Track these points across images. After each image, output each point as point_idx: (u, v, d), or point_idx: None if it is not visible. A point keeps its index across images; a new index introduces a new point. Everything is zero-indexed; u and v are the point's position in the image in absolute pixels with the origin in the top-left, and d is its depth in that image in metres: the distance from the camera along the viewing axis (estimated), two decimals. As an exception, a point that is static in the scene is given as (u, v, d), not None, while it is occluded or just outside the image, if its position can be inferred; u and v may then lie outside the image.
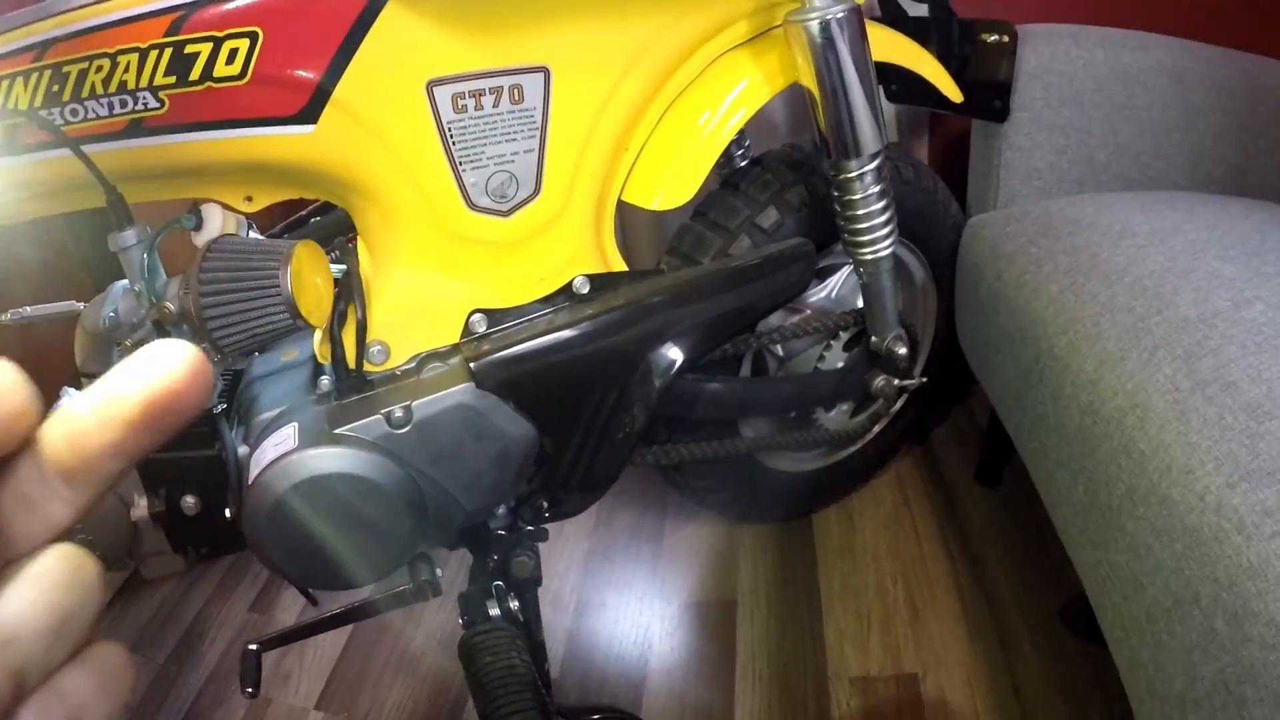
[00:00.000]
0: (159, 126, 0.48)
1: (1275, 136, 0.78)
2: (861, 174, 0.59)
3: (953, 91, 0.69)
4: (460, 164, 0.52)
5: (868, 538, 0.84)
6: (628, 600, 0.82)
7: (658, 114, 0.58)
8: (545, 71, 0.52)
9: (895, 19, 0.78)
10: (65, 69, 0.46)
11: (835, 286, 0.77)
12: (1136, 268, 0.57)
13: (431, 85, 0.49)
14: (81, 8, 0.47)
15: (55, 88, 0.46)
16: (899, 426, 0.86)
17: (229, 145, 0.49)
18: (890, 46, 0.65)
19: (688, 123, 0.58)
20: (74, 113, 0.47)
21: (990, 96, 0.76)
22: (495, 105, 0.51)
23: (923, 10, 0.77)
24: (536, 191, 0.54)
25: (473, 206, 0.53)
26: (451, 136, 0.51)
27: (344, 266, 0.55)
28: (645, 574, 0.85)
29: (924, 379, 0.74)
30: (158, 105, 0.47)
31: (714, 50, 0.58)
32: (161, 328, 0.50)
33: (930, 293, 0.81)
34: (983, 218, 0.76)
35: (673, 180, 0.58)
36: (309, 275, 0.49)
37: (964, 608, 0.75)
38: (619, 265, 0.60)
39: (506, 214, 0.54)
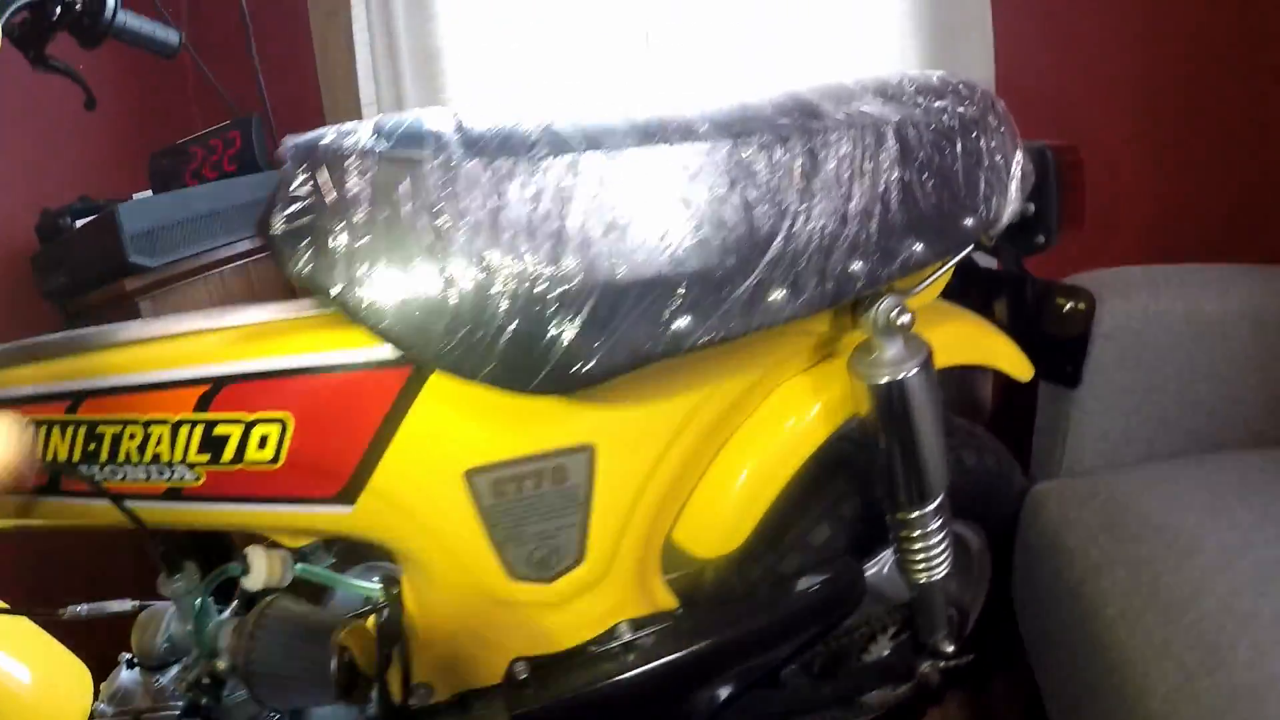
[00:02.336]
0: (198, 495, 0.48)
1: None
2: (922, 516, 0.56)
3: (1024, 372, 0.66)
4: (501, 543, 0.50)
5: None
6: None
7: (710, 456, 0.56)
8: (589, 450, 0.50)
9: (965, 272, 0.75)
10: (99, 429, 0.46)
11: (884, 565, 0.74)
12: (1198, 603, 0.53)
13: (471, 474, 0.48)
14: (109, 346, 0.47)
15: (92, 446, 0.46)
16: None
17: (269, 516, 0.49)
18: (959, 346, 0.62)
19: (739, 467, 0.56)
20: (112, 472, 0.47)
21: (1062, 362, 0.72)
22: (537, 488, 0.50)
23: (993, 261, 0.74)
24: (580, 560, 0.53)
25: (514, 576, 0.52)
26: (491, 520, 0.50)
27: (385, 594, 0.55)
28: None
29: (971, 656, 0.71)
30: (194, 478, 0.46)
31: (768, 387, 0.56)
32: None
33: (985, 560, 0.78)
34: (1046, 488, 0.72)
35: (723, 527, 0.56)
36: (358, 656, 0.49)
37: None
38: (667, 602, 0.59)
39: (549, 580, 0.53)
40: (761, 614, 0.58)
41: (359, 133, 0.44)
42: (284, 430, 0.45)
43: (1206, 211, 1.00)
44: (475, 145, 0.41)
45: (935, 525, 0.58)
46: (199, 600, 0.51)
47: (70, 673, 0.54)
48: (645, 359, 0.42)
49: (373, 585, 0.54)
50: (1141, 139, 0.99)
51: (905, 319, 0.49)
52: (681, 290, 0.41)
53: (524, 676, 0.54)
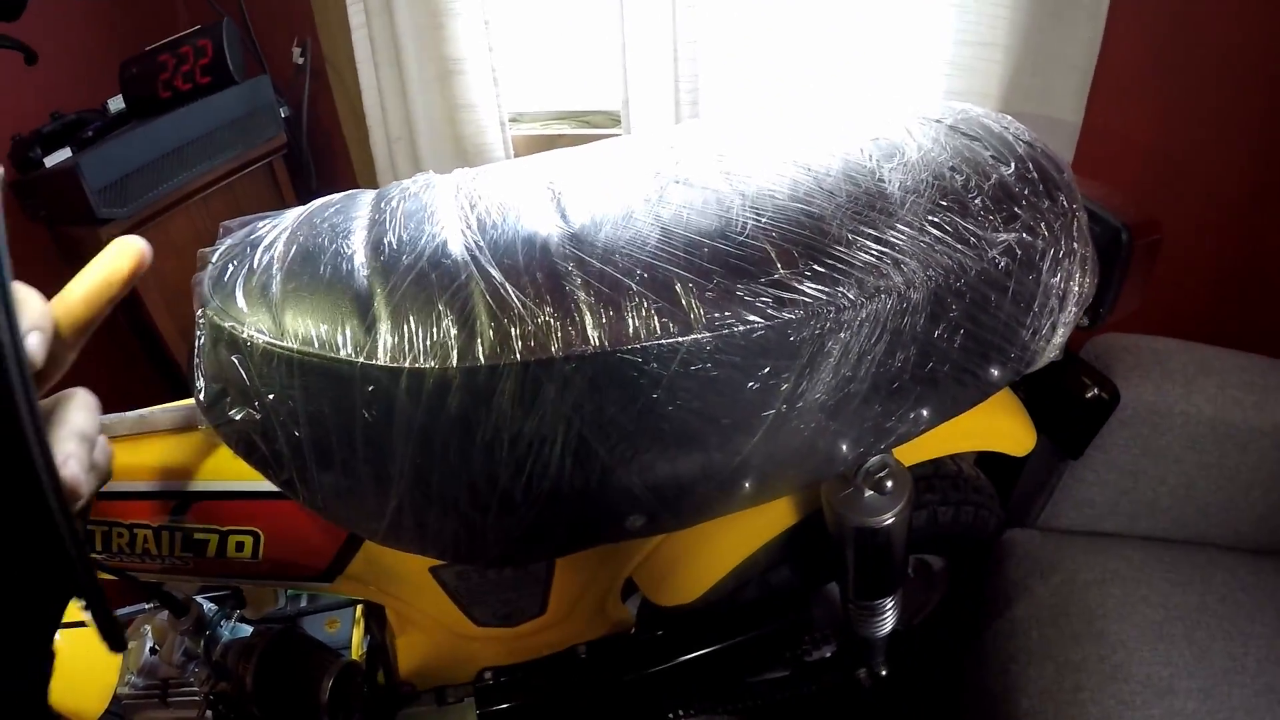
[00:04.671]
0: (190, 570, 0.53)
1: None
2: (879, 604, 0.60)
3: (1023, 449, 0.65)
4: (468, 607, 0.56)
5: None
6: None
7: None
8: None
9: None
10: (89, 528, 0.51)
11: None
12: None
13: (435, 570, 0.52)
14: None
15: (87, 539, 0.51)
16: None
17: (257, 583, 0.55)
18: (956, 435, 0.60)
19: (707, 533, 0.59)
20: (109, 558, 0.52)
21: (1067, 431, 0.69)
22: (499, 573, 0.54)
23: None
24: (542, 611, 0.59)
25: (480, 624, 0.59)
26: (458, 595, 0.55)
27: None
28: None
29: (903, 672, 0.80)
30: (185, 564, 0.52)
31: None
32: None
33: (944, 578, 0.82)
34: (1017, 538, 0.75)
35: (682, 586, 0.60)
36: (350, 689, 0.58)
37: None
38: (625, 622, 0.66)
39: (513, 626, 0.59)
40: (711, 641, 0.65)
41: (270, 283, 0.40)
42: (258, 540, 0.48)
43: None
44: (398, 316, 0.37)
45: (887, 608, 0.62)
46: (205, 633, 0.59)
47: (98, 643, 0.65)
48: (592, 545, 0.43)
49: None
50: (1231, 206, 0.86)
51: (890, 484, 0.48)
52: (636, 497, 0.40)
53: (491, 682, 0.64)
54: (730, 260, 0.39)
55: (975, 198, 0.44)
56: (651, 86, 0.95)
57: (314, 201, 0.49)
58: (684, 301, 0.37)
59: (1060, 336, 0.49)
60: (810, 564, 0.63)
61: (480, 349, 0.37)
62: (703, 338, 0.37)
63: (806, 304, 0.38)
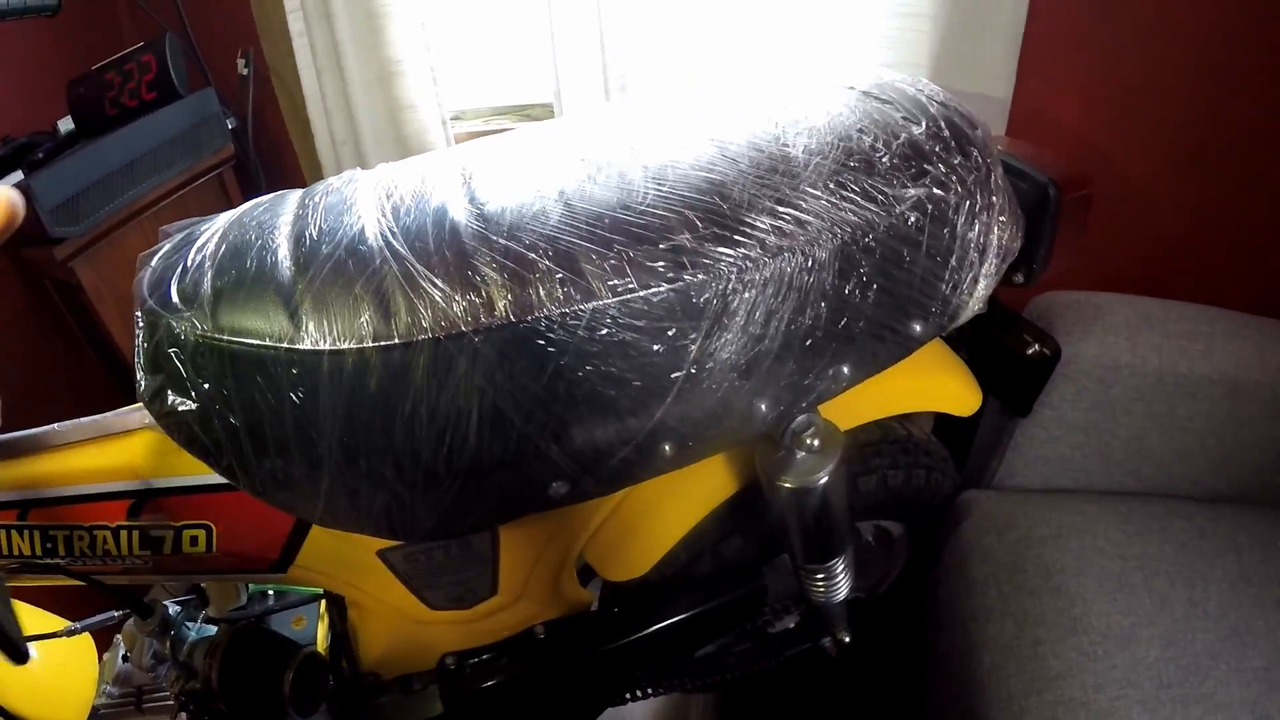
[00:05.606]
0: (151, 570, 0.55)
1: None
2: (828, 567, 0.61)
3: (968, 409, 0.66)
4: (420, 590, 0.58)
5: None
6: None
7: (626, 490, 0.60)
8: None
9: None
10: (52, 533, 0.52)
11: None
12: (1063, 685, 0.59)
13: (383, 553, 0.54)
14: (44, 451, 0.51)
15: (49, 544, 0.53)
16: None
17: (216, 578, 0.57)
18: (897, 395, 0.61)
19: (650, 505, 0.60)
20: (71, 562, 0.54)
21: (1014, 389, 0.71)
22: (446, 555, 0.55)
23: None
24: (494, 592, 0.60)
25: (435, 608, 0.60)
26: (408, 578, 0.56)
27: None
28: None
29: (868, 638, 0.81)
30: (144, 563, 0.54)
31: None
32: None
33: (903, 544, 0.84)
34: (972, 499, 0.76)
35: (630, 559, 0.62)
36: (312, 681, 0.60)
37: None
38: (582, 601, 0.67)
39: (468, 608, 0.61)
40: (667, 615, 0.67)
41: (202, 282, 0.41)
42: (210, 534, 0.50)
43: (1225, 247, 0.91)
44: (320, 305, 0.39)
45: (838, 569, 0.63)
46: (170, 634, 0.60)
47: (77, 649, 0.66)
48: (520, 516, 0.44)
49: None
50: (1170, 159, 0.88)
51: (816, 442, 0.49)
52: (555, 464, 0.41)
53: (453, 667, 0.66)
54: (632, 229, 0.40)
55: (883, 156, 0.45)
56: (581, 76, 0.98)
57: (247, 203, 0.51)
58: (586, 270, 0.39)
59: (983, 289, 0.50)
60: (759, 533, 0.65)
61: (395, 329, 0.39)
62: (606, 303, 0.39)
63: (708, 265, 0.40)
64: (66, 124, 0.89)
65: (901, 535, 0.83)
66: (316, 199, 0.48)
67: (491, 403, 0.40)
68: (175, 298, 0.43)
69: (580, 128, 0.50)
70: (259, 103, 1.11)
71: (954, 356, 0.67)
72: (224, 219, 0.50)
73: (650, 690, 0.75)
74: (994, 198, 0.49)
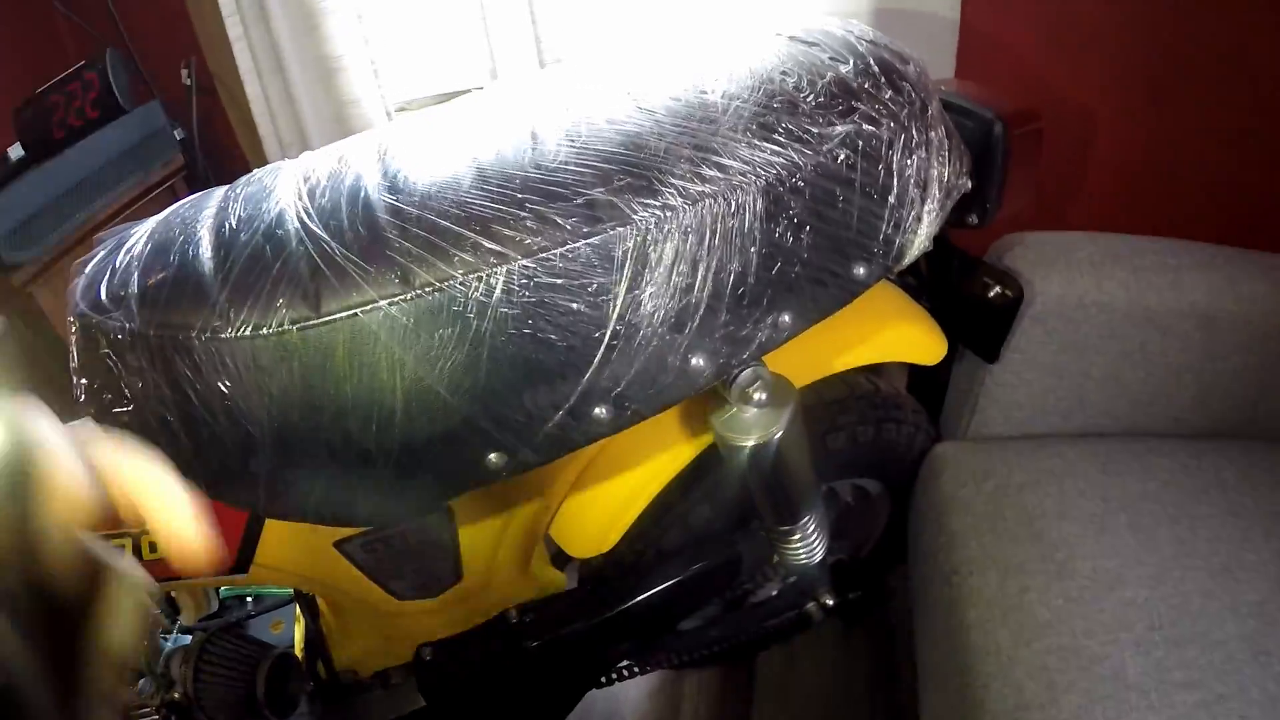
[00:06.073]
0: None
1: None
2: (798, 527, 0.61)
3: (933, 357, 0.65)
4: (383, 580, 0.57)
5: (806, 679, 0.97)
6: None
7: (582, 466, 0.59)
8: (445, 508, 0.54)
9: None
10: None
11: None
12: (1052, 632, 0.58)
13: (340, 543, 0.54)
14: None
15: None
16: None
17: (183, 584, 0.57)
18: (858, 347, 0.61)
19: (611, 478, 0.60)
20: None
21: (981, 335, 0.70)
22: (404, 542, 0.55)
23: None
24: (459, 578, 0.60)
25: (402, 598, 0.60)
26: (369, 568, 0.56)
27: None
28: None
29: (855, 595, 0.80)
30: None
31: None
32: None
33: (884, 502, 0.83)
34: (947, 451, 0.75)
35: (594, 534, 0.61)
36: (286, 681, 0.60)
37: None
38: (554, 583, 0.67)
39: (434, 595, 0.61)
40: (641, 590, 0.66)
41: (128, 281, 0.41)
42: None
43: (1189, 179, 0.89)
44: (245, 288, 0.39)
45: (809, 530, 0.63)
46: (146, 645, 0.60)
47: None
48: (461, 491, 0.44)
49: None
50: (1127, 86, 0.86)
51: (763, 395, 0.48)
52: (488, 434, 0.41)
53: (429, 658, 0.66)
54: (545, 187, 0.40)
55: (808, 96, 0.45)
56: (515, 55, 0.97)
57: (176, 203, 0.51)
58: (499, 233, 0.39)
59: (927, 226, 0.49)
60: (726, 499, 0.64)
61: (313, 308, 0.39)
62: (522, 264, 0.38)
63: (625, 216, 0.39)
64: (17, 151, 0.89)
65: (881, 494, 0.82)
66: (238, 190, 0.48)
67: (415, 374, 0.39)
68: (105, 301, 0.43)
69: (500, 98, 0.50)
70: (205, 111, 1.11)
71: (915, 305, 0.67)
72: (152, 220, 0.50)
73: (637, 669, 0.74)
74: (931, 132, 0.48)
